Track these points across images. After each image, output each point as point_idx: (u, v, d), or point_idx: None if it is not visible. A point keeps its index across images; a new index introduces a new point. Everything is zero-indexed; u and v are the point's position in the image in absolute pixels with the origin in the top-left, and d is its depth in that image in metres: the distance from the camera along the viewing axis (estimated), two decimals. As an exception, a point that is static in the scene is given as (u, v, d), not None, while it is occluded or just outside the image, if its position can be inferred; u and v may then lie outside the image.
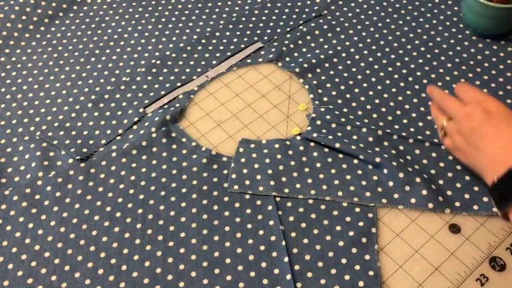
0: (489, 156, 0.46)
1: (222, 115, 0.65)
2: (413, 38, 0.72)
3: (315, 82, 0.67)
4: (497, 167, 0.44)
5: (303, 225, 0.54)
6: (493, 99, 0.50)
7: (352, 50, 0.71)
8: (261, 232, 0.54)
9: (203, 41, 0.73)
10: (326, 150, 0.60)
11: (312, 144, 0.60)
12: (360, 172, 0.58)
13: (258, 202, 0.56)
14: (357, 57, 0.70)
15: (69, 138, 0.62)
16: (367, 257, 0.52)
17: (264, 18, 0.76)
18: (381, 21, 0.75)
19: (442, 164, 0.58)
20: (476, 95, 0.51)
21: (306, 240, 0.53)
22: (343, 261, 0.51)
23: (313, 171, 0.58)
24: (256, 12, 0.76)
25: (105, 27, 0.76)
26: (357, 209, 0.55)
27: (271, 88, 0.67)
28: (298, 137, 0.61)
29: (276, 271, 0.51)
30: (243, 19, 0.76)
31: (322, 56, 0.70)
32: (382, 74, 0.68)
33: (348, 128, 0.61)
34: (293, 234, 0.53)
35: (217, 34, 0.74)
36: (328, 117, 0.63)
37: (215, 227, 0.54)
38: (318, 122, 0.62)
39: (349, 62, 0.70)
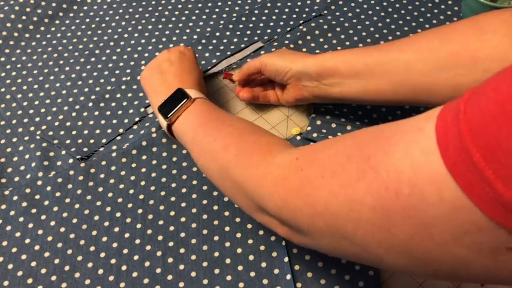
0: (165, 86, 0.56)
1: (222, 115, 0.65)
2: (413, 38, 0.72)
3: (315, 82, 0.67)
4: (168, 89, 0.55)
5: (303, 225, 0.54)
6: (189, 50, 0.63)
7: (352, 50, 0.71)
8: (261, 232, 0.54)
9: (203, 41, 0.73)
10: (326, 150, 0.60)
11: (312, 143, 0.60)
12: (360, 172, 0.58)
13: (258, 202, 0.56)
14: (357, 57, 0.70)
15: (70, 137, 0.62)
16: (367, 257, 0.52)
17: (264, 18, 0.76)
18: (381, 21, 0.75)
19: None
20: (184, 46, 0.63)
21: (306, 240, 0.53)
22: (343, 261, 0.51)
23: None
24: (256, 12, 0.76)
25: (105, 27, 0.76)
26: (357, 209, 0.55)
27: (271, 88, 0.67)
28: (298, 137, 0.61)
29: (276, 271, 0.51)
30: (243, 19, 0.76)
31: (322, 56, 0.70)
32: (382, 74, 0.68)
33: (348, 128, 0.61)
34: (293, 234, 0.53)
35: (217, 34, 0.74)
36: (328, 117, 0.63)
37: (215, 227, 0.54)
38: (318, 122, 0.62)
39: (349, 62, 0.69)
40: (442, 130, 0.27)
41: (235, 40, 0.73)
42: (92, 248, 0.53)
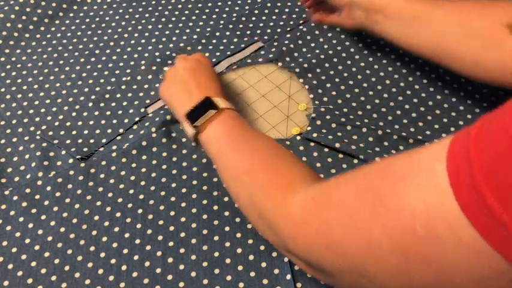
0: (187, 92, 0.56)
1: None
2: (413, 38, 0.72)
3: (315, 82, 0.67)
4: (193, 99, 0.54)
5: (303, 225, 0.54)
6: (204, 57, 0.63)
7: (352, 50, 0.71)
8: (261, 232, 0.54)
9: (203, 41, 0.73)
10: (326, 150, 0.60)
11: (312, 144, 0.60)
12: (360, 172, 0.58)
13: (258, 202, 0.56)
14: (357, 57, 0.70)
15: (70, 137, 0.62)
16: (367, 257, 0.51)
17: (264, 18, 0.76)
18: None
19: (442, 164, 0.58)
20: (199, 54, 0.63)
21: (306, 240, 0.53)
22: (343, 261, 0.51)
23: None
24: (256, 12, 0.76)
25: (105, 27, 0.76)
26: (357, 209, 0.55)
27: (271, 88, 0.67)
28: (298, 137, 0.61)
29: (276, 271, 0.51)
30: (243, 19, 0.76)
31: (322, 56, 0.70)
32: (382, 74, 0.68)
33: (348, 128, 0.61)
34: (293, 234, 0.53)
35: (217, 34, 0.74)
36: (328, 117, 0.63)
37: (215, 227, 0.54)
38: (318, 122, 0.62)
39: (349, 62, 0.70)
40: (454, 171, 0.27)
41: (235, 40, 0.73)
42: (92, 248, 0.53)
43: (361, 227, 0.32)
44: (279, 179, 0.43)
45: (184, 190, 0.57)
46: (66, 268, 0.52)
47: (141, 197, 0.57)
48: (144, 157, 0.60)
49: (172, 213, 0.55)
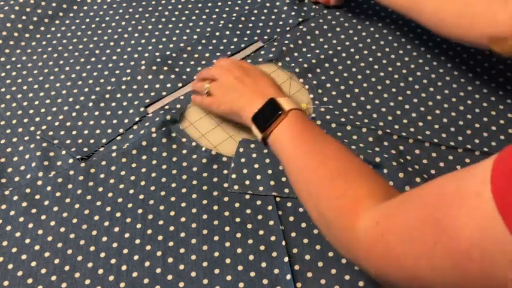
0: (248, 97, 0.57)
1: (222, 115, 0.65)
2: (413, 38, 0.72)
3: (315, 82, 0.67)
4: (255, 102, 0.55)
5: (303, 225, 0.54)
6: (244, 62, 0.65)
7: (352, 50, 0.71)
8: (261, 232, 0.54)
9: (203, 41, 0.73)
10: (326, 150, 0.60)
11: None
12: (360, 172, 0.57)
13: (258, 202, 0.56)
14: (357, 57, 0.70)
15: (70, 137, 0.62)
16: (367, 257, 0.51)
17: (264, 18, 0.76)
18: (381, 21, 0.75)
19: (442, 164, 0.58)
20: (233, 60, 0.64)
21: (306, 240, 0.53)
22: (343, 261, 0.51)
23: None
24: (256, 12, 0.76)
25: (105, 27, 0.76)
26: (357, 209, 0.55)
27: (271, 88, 0.67)
28: (298, 137, 0.61)
29: (276, 271, 0.51)
30: (243, 19, 0.76)
31: (322, 56, 0.70)
32: (382, 74, 0.68)
33: (348, 128, 0.61)
34: (293, 234, 0.53)
35: (217, 34, 0.74)
36: (328, 117, 0.63)
37: (215, 227, 0.54)
38: (318, 122, 0.62)
39: (349, 62, 0.70)
40: (499, 195, 0.29)
41: (235, 40, 0.73)
42: (92, 248, 0.53)
43: (425, 251, 0.35)
44: (347, 198, 0.44)
45: (184, 190, 0.57)
46: (66, 268, 0.52)
47: (141, 197, 0.57)
48: (144, 157, 0.60)
49: (172, 213, 0.55)
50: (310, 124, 0.53)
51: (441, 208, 0.34)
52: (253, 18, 0.76)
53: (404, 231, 0.37)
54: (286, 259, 0.51)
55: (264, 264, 0.51)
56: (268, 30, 0.74)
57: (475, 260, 0.31)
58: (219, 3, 0.79)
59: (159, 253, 0.53)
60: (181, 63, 0.70)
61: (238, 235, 0.54)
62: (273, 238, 0.53)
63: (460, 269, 0.32)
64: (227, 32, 0.74)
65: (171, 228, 0.54)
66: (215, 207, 0.56)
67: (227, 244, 0.53)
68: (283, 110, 0.52)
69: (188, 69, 0.70)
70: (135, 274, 0.51)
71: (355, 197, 0.44)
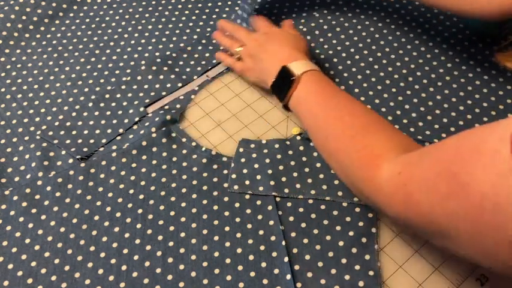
0: (269, 65, 0.60)
1: (222, 115, 0.65)
2: (413, 38, 0.72)
3: (315, 82, 0.67)
4: (273, 71, 0.58)
5: (303, 225, 0.54)
6: (275, 27, 0.66)
7: (352, 50, 0.71)
8: (261, 232, 0.54)
9: (203, 41, 0.73)
10: (326, 150, 0.60)
11: (312, 144, 0.60)
12: (360, 172, 0.58)
13: (258, 202, 0.56)
14: (357, 57, 0.70)
15: (70, 137, 0.62)
16: (367, 256, 0.52)
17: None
18: (381, 21, 0.75)
19: (442, 164, 0.58)
20: (265, 25, 0.67)
21: (306, 240, 0.53)
22: (343, 261, 0.51)
23: (313, 171, 0.58)
24: (255, 12, 0.76)
25: (105, 27, 0.76)
26: (357, 209, 0.55)
27: (271, 88, 0.67)
28: (298, 137, 0.61)
29: (276, 271, 0.51)
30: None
31: (322, 56, 0.70)
32: (382, 74, 0.68)
33: (348, 128, 0.61)
34: (293, 234, 0.53)
35: (217, 34, 0.74)
36: (328, 117, 0.63)
37: (215, 227, 0.54)
38: (318, 122, 0.62)
39: (349, 62, 0.70)
40: None
41: (235, 40, 0.73)
42: (92, 248, 0.53)
43: (440, 200, 0.37)
44: (368, 150, 0.48)
45: (184, 190, 0.57)
46: (66, 268, 0.52)
47: (141, 197, 0.57)
48: (144, 157, 0.60)
49: (172, 213, 0.55)
50: (325, 83, 0.56)
51: (457, 163, 0.36)
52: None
53: (422, 181, 0.40)
54: (286, 259, 0.51)
55: (264, 264, 0.51)
56: (268, 30, 0.74)
57: (487, 211, 0.32)
58: (219, 3, 0.79)
59: (159, 253, 0.53)
60: (181, 63, 0.70)
61: (238, 235, 0.54)
62: (273, 238, 0.53)
63: (471, 217, 0.34)
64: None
65: (171, 228, 0.54)
66: (215, 207, 0.56)
67: (227, 244, 0.53)
68: (295, 76, 0.55)
69: (188, 69, 0.70)
70: (135, 274, 0.51)
71: (374, 150, 0.47)
